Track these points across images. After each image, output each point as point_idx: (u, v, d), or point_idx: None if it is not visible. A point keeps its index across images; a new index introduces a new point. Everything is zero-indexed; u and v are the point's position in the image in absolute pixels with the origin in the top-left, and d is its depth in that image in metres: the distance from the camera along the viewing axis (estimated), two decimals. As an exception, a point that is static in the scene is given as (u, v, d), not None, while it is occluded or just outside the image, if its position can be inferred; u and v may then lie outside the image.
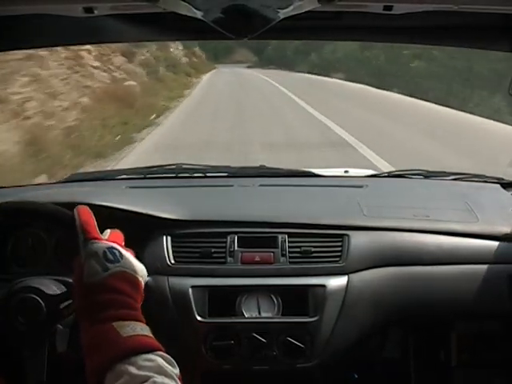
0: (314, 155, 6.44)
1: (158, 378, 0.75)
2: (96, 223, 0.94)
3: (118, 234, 0.97)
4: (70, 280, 1.03)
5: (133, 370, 0.76)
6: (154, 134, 9.07)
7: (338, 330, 1.30)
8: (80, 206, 0.95)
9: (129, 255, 0.93)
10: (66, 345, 1.00)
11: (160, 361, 0.78)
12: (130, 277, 0.89)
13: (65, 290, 1.02)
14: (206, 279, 1.33)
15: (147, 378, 0.74)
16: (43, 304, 0.96)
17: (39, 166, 5.86)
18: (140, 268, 0.93)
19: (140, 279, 0.91)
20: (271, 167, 1.87)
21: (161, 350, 0.81)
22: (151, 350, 0.80)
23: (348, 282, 1.32)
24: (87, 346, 0.82)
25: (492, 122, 9.93)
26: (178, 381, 0.77)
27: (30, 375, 0.99)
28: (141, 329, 0.84)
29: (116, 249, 0.90)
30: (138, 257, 1.35)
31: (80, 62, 10.43)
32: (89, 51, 10.99)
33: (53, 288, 1.00)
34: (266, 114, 11.39)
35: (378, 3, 0.93)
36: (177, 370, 0.78)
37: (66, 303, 1.00)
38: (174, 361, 0.79)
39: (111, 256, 0.88)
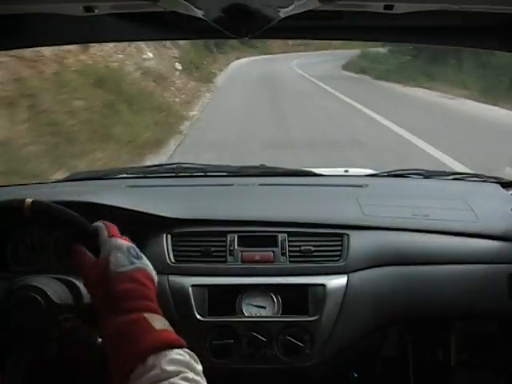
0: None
1: (189, 374, 0.75)
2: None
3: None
4: (71, 279, 1.04)
5: (165, 364, 0.76)
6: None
7: (338, 329, 1.30)
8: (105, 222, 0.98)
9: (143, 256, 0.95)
10: (67, 343, 1.00)
11: (188, 357, 0.79)
12: (150, 274, 0.91)
13: (65, 288, 1.02)
14: (206, 278, 1.33)
15: (178, 373, 0.75)
16: (43, 302, 0.96)
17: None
18: (152, 268, 0.94)
19: (155, 278, 0.93)
20: (271, 166, 1.87)
21: (187, 348, 0.82)
22: (181, 346, 0.80)
23: (348, 281, 1.32)
24: (114, 336, 0.81)
25: None
26: (203, 377, 0.78)
27: (30, 375, 0.99)
28: (169, 325, 0.86)
29: (136, 248, 0.93)
30: None
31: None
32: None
33: (53, 286, 1.00)
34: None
35: (379, 2, 0.93)
36: (200, 367, 0.79)
37: (65, 300, 1.00)
38: (197, 358, 0.80)
39: (134, 252, 0.91)
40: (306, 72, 18.52)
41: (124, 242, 0.92)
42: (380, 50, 20.15)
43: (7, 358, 0.95)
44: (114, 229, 0.95)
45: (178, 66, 14.13)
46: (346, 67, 20.86)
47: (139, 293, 0.86)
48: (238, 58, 24.47)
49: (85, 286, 0.93)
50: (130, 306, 0.83)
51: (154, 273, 0.92)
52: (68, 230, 0.97)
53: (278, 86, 14.30)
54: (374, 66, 18.57)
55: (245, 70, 20.42)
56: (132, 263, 0.88)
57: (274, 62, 23.63)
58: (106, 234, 0.93)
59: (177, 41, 12.01)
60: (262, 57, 26.63)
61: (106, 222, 0.96)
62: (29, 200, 0.95)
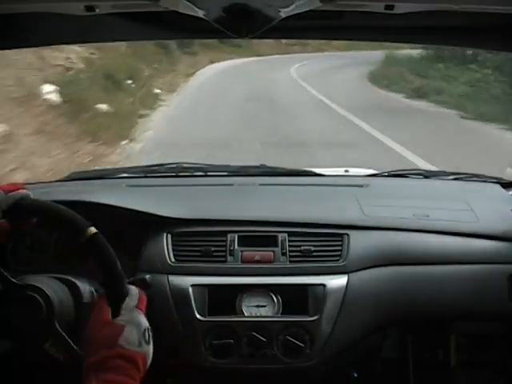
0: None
1: None
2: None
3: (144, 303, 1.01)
4: (71, 278, 1.04)
5: None
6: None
7: (338, 330, 1.30)
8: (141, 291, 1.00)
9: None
10: (62, 350, 1.00)
11: None
12: (148, 360, 0.94)
13: (65, 288, 1.02)
14: (206, 278, 1.33)
15: None
16: (43, 302, 0.96)
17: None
18: (151, 354, 0.97)
19: (149, 362, 0.96)
20: (271, 166, 1.87)
21: None
22: None
23: (348, 281, 1.32)
24: None
25: None
26: None
27: (30, 375, 0.99)
28: None
29: (150, 331, 0.96)
30: (138, 256, 1.37)
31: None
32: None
33: (53, 286, 1.00)
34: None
35: (380, 2, 0.93)
36: None
37: (65, 299, 1.00)
38: None
39: (147, 337, 0.94)
40: (320, 91, 10.92)
41: (144, 321, 0.94)
42: (405, 52, 14.20)
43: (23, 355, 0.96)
44: (144, 303, 0.97)
45: (52, 96, 6.76)
46: (376, 81, 13.10)
47: (128, 372, 0.88)
48: (211, 62, 16.21)
49: (87, 332, 0.93)
50: (113, 379, 0.87)
51: (150, 358, 0.95)
52: (108, 279, 0.97)
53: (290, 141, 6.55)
54: (436, 86, 11.08)
55: (219, 85, 11.89)
56: (140, 345, 0.91)
57: (263, 68, 15.45)
58: (134, 302, 0.95)
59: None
60: (246, 60, 17.86)
61: (142, 293, 0.98)
62: (92, 229, 0.96)
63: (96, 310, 0.94)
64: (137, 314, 0.94)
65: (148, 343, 0.93)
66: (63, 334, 0.96)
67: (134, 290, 0.98)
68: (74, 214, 0.97)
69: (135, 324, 0.92)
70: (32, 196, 1.02)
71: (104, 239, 0.97)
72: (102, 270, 0.96)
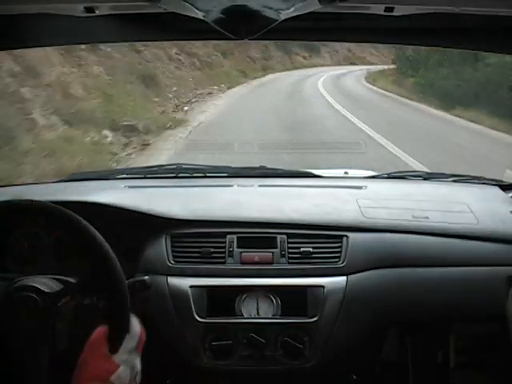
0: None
1: None
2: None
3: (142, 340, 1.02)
4: (69, 279, 1.04)
5: None
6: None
7: (337, 331, 1.30)
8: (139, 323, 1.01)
9: None
10: (67, 341, 1.00)
11: None
12: None
13: (63, 288, 1.02)
14: (205, 279, 1.33)
15: None
16: (42, 303, 0.96)
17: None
18: None
19: None
20: (271, 168, 1.87)
21: None
22: None
23: (347, 283, 1.32)
24: None
25: None
26: None
27: (31, 375, 0.99)
28: None
29: (139, 375, 0.98)
30: (137, 257, 1.37)
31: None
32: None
33: (51, 286, 1.00)
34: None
35: (379, 4, 0.93)
36: None
37: (65, 301, 1.00)
38: None
39: (137, 379, 0.97)
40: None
41: (138, 365, 0.97)
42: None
43: (24, 355, 0.96)
44: (142, 343, 0.99)
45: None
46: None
47: None
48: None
49: (79, 364, 0.93)
50: None
51: None
52: (113, 307, 0.97)
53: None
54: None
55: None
56: None
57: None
58: (134, 343, 0.96)
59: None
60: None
61: (143, 334, 0.99)
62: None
63: (91, 341, 0.94)
64: (134, 357, 0.96)
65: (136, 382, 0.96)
66: (65, 329, 0.96)
67: (137, 328, 0.98)
68: (61, 209, 0.97)
69: (130, 366, 0.94)
70: (25, 197, 1.02)
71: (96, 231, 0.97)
72: (109, 304, 0.97)
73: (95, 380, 0.90)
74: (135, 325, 0.98)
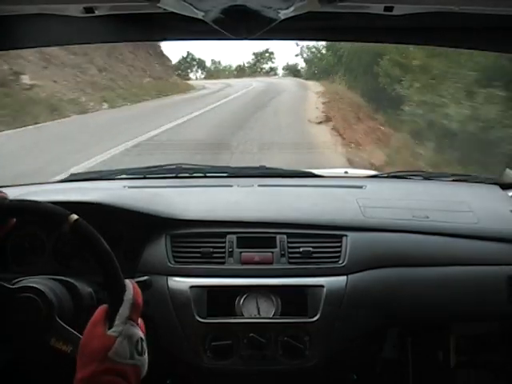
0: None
1: None
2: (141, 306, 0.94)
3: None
4: (70, 280, 1.04)
5: None
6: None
7: (337, 331, 1.30)
8: (134, 283, 0.95)
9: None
10: (67, 341, 1.00)
11: None
12: (141, 372, 0.91)
13: (63, 289, 1.02)
14: (205, 279, 1.33)
15: None
16: (42, 303, 0.96)
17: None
18: (146, 365, 0.93)
19: (144, 374, 0.92)
20: (271, 167, 1.87)
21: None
22: None
23: (347, 282, 1.32)
24: None
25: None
26: None
27: (32, 375, 0.99)
28: None
29: (144, 341, 0.91)
30: (137, 257, 1.37)
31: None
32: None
33: (52, 287, 1.00)
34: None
35: (379, 4, 0.93)
36: None
37: (65, 301, 1.00)
38: None
39: (140, 348, 0.89)
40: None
41: (137, 332, 0.90)
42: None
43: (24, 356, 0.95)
44: (138, 312, 0.92)
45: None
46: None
47: None
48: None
49: (81, 343, 0.90)
50: None
51: (145, 369, 0.91)
52: (107, 281, 0.92)
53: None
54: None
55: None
56: (132, 358, 0.87)
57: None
58: (127, 313, 0.90)
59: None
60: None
61: (137, 300, 0.92)
62: (73, 216, 0.92)
63: (90, 322, 0.90)
64: (129, 326, 0.89)
65: (141, 354, 0.89)
66: (66, 326, 0.95)
67: (129, 290, 0.92)
68: (53, 206, 0.95)
69: (127, 336, 0.88)
70: (11, 198, 1.00)
71: (88, 225, 0.94)
72: (94, 257, 0.92)
73: (93, 362, 0.85)
74: (128, 285, 0.92)
